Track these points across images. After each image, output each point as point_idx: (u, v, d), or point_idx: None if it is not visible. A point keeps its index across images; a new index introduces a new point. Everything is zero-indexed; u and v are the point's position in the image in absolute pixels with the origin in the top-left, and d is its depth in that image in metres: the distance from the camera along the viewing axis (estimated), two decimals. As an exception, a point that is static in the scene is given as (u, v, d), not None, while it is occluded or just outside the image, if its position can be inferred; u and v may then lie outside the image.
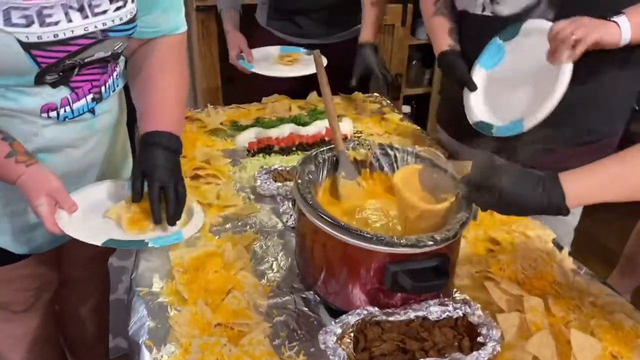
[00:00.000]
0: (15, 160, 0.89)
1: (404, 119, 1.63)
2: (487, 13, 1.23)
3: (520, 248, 0.99)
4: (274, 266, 0.98)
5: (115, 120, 1.13)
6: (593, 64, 1.09)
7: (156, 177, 0.95)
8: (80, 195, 0.98)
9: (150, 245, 0.92)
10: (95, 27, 0.91)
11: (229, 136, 1.48)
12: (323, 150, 1.01)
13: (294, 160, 1.35)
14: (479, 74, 1.26)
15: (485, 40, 1.24)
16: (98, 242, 0.89)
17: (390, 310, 0.79)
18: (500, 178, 0.78)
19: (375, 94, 1.82)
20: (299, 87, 1.76)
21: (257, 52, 1.77)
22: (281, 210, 1.13)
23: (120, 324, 1.61)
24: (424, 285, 0.77)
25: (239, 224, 1.10)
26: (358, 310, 0.78)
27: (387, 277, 0.78)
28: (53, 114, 0.95)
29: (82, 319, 1.51)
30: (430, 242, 0.76)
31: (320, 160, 1.00)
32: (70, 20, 0.87)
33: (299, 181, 0.90)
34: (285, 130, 1.47)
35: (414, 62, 3.06)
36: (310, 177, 0.94)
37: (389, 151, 1.03)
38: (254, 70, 1.68)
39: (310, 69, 1.66)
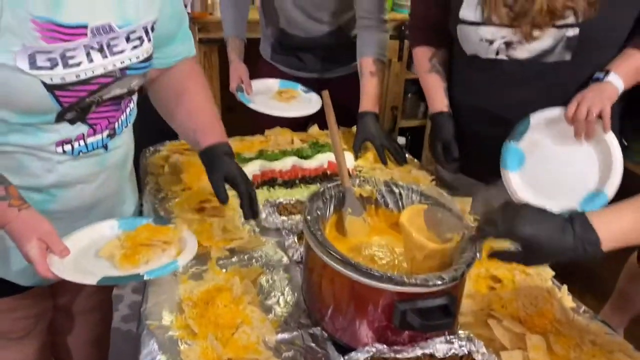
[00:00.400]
0: (9, 204, 0.87)
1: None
2: (501, 57, 1.26)
3: (521, 286, 1.02)
4: (281, 301, 1.00)
5: (125, 155, 1.15)
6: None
7: (239, 181, 1.08)
8: (71, 240, 0.96)
9: (145, 277, 0.90)
10: (114, 65, 0.95)
11: (233, 168, 1.50)
12: (330, 187, 1.04)
13: (297, 193, 1.37)
14: (511, 178, 1.29)
15: (498, 83, 1.29)
16: (93, 282, 0.87)
17: (398, 348, 0.81)
18: (524, 226, 0.76)
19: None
20: (298, 119, 1.80)
21: (257, 83, 1.81)
22: (286, 244, 1.15)
23: (116, 353, 1.62)
24: (432, 324, 0.79)
25: (245, 257, 1.12)
26: (367, 348, 0.80)
27: (396, 315, 0.80)
28: (67, 147, 0.98)
29: (83, 349, 1.50)
30: (439, 282, 0.79)
31: (328, 197, 1.02)
32: (91, 61, 0.91)
33: (308, 217, 0.92)
34: (288, 163, 1.50)
35: (409, 95, 3.13)
36: (319, 213, 0.97)
37: (394, 189, 1.06)
38: (251, 106, 1.71)
39: (308, 110, 1.73)
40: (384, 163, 1.56)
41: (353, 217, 1.03)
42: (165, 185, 1.38)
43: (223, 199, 1.07)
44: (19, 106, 0.89)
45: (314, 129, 1.78)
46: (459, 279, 0.81)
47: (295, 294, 1.02)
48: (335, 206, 1.04)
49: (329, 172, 1.48)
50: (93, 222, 1.04)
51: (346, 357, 0.79)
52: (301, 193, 1.37)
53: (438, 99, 1.40)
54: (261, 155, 1.56)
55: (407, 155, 1.65)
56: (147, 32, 1.01)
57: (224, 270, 1.07)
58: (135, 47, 0.98)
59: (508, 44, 1.24)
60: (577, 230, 0.75)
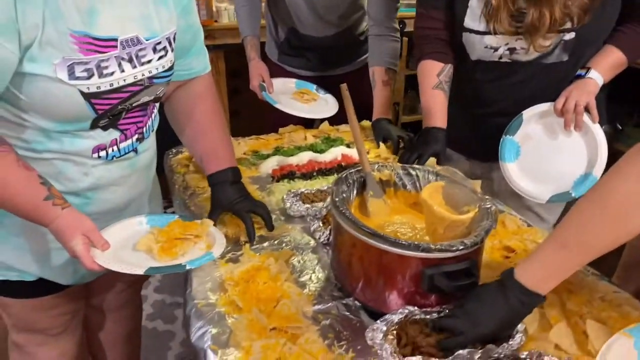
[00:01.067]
0: (53, 203, 0.94)
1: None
2: (505, 60, 1.37)
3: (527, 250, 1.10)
4: (313, 278, 1.09)
5: (151, 157, 1.24)
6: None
7: (241, 214, 1.16)
8: (106, 235, 1.01)
9: (187, 267, 0.98)
10: (143, 75, 1.04)
11: (252, 164, 1.59)
12: (352, 172, 1.13)
13: (316, 184, 1.46)
14: (509, 168, 1.42)
15: (502, 80, 1.39)
16: (140, 271, 0.93)
17: (428, 309, 0.90)
18: (471, 312, 0.84)
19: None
20: (303, 119, 1.89)
21: (274, 82, 1.89)
22: (312, 228, 1.23)
23: (143, 350, 1.69)
24: (458, 285, 0.87)
25: (275, 242, 1.20)
26: (400, 310, 0.89)
27: (424, 280, 0.89)
28: (102, 153, 1.06)
29: (117, 345, 1.58)
30: (461, 247, 0.87)
31: (351, 181, 1.11)
32: (122, 71, 0.99)
33: (336, 199, 1.01)
34: (304, 157, 1.59)
35: (409, 91, 3.22)
36: (344, 195, 1.05)
37: (411, 171, 1.15)
38: (277, 106, 1.79)
39: (328, 111, 1.83)
40: (397, 153, 1.64)
41: (374, 199, 1.12)
42: (192, 182, 1.47)
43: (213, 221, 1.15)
44: (58, 114, 0.96)
45: (325, 125, 1.87)
46: (479, 243, 0.90)
47: (326, 271, 1.10)
48: (357, 190, 1.12)
49: (343, 164, 1.56)
50: None
51: (381, 319, 0.88)
52: (320, 183, 1.46)
53: (438, 117, 1.43)
54: (278, 151, 1.65)
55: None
56: (170, 43, 1.10)
57: (257, 254, 1.15)
58: (161, 57, 1.07)
59: (512, 50, 1.34)
60: (508, 290, 0.84)
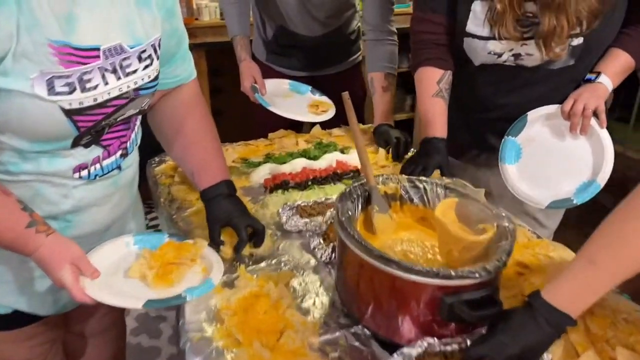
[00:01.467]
0: (36, 230, 0.86)
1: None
2: (509, 64, 1.31)
3: (549, 270, 1.04)
4: (317, 302, 1.00)
5: (135, 172, 1.15)
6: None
7: (238, 227, 1.09)
8: (92, 260, 0.94)
9: (188, 299, 0.91)
10: (128, 86, 0.95)
11: (242, 173, 1.50)
12: (356, 186, 1.05)
13: (313, 194, 1.38)
14: (509, 170, 1.36)
15: (505, 84, 1.33)
16: (138, 305, 0.87)
17: (448, 340, 0.83)
18: (500, 338, 0.78)
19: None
20: (292, 121, 1.80)
21: (267, 83, 1.79)
22: (312, 246, 1.15)
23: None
24: (481, 315, 0.80)
25: (273, 262, 1.12)
26: (419, 342, 0.81)
27: (443, 309, 0.81)
28: (84, 172, 0.97)
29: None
30: (484, 273, 0.80)
31: (355, 196, 1.03)
32: (106, 83, 0.90)
33: (342, 219, 0.93)
34: (297, 165, 1.50)
35: (395, 90, 3.15)
36: (349, 213, 0.97)
37: (418, 184, 1.07)
38: (271, 109, 1.69)
39: (327, 115, 1.72)
40: (395, 158, 1.56)
41: (380, 214, 1.05)
42: (179, 194, 1.37)
43: (215, 246, 1.08)
44: (36, 134, 0.87)
45: (316, 130, 1.79)
46: (502, 268, 0.83)
47: (330, 294, 1.02)
48: (362, 205, 1.05)
49: (339, 172, 1.48)
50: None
51: (397, 354, 0.80)
52: (316, 194, 1.38)
53: (439, 126, 1.35)
54: (269, 158, 1.56)
55: None
56: (155, 50, 1.01)
57: (254, 276, 1.06)
58: (146, 66, 0.98)
59: (516, 56, 1.27)
60: (544, 316, 0.78)
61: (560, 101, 1.30)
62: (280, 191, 1.40)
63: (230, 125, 2.86)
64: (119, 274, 0.98)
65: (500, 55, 1.28)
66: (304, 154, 1.59)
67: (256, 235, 1.12)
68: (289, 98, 1.80)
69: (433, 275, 0.80)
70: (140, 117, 1.10)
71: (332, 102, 1.77)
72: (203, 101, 1.22)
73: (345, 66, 1.94)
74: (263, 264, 1.11)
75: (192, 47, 2.43)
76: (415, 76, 1.43)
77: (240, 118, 2.83)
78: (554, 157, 1.32)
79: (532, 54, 1.25)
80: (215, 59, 2.68)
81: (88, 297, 0.86)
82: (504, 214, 0.93)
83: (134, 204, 1.22)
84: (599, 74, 1.27)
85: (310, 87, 1.85)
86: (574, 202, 1.29)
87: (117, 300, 0.87)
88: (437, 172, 1.31)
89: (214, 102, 2.65)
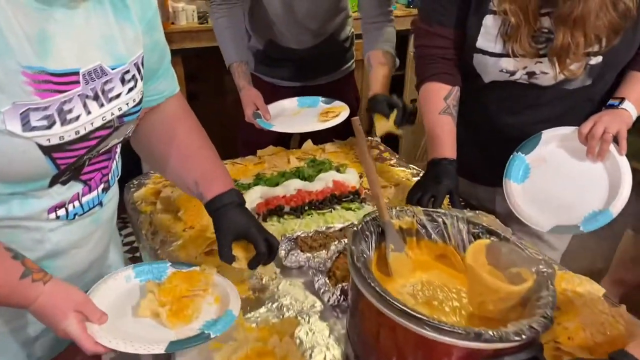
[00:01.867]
0: (32, 279, 0.75)
1: (414, 170, 1.55)
2: (521, 82, 1.21)
3: (583, 312, 0.94)
4: (328, 356, 0.89)
5: (115, 205, 1.02)
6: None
7: (255, 238, 0.95)
8: (95, 302, 0.84)
9: (212, 335, 0.83)
10: (112, 114, 0.82)
11: (231, 197, 1.37)
12: (368, 222, 0.94)
13: (312, 223, 1.26)
14: (514, 188, 1.25)
15: (517, 103, 1.24)
16: (160, 350, 0.79)
17: (489, 412, 0.72)
18: None
19: (370, 137, 1.77)
20: (282, 134, 1.68)
21: (272, 108, 1.64)
22: (316, 286, 1.03)
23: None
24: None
25: (274, 306, 1.00)
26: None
27: (483, 375, 0.71)
28: (61, 212, 0.84)
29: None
30: (530, 334, 0.70)
31: (368, 234, 0.92)
32: (89, 112, 0.78)
33: (358, 264, 0.81)
34: (291, 186, 1.38)
35: (393, 70, 3.04)
36: (365, 257, 0.86)
37: (436, 217, 0.97)
38: (274, 129, 1.54)
39: (341, 117, 1.56)
40: (400, 123, 1.43)
41: (396, 254, 0.93)
42: (162, 226, 1.24)
43: (227, 261, 0.95)
44: (8, 174, 0.74)
45: (308, 145, 1.66)
46: (550, 326, 0.72)
47: (341, 346, 0.91)
48: (375, 242, 0.93)
49: (337, 194, 1.36)
50: (88, 286, 0.90)
51: None
52: (316, 222, 1.26)
53: (448, 146, 1.23)
54: (260, 180, 1.43)
55: (383, 146, 1.66)
56: (139, 70, 0.88)
57: (254, 325, 0.94)
58: (130, 89, 0.86)
59: (530, 74, 1.18)
60: None
61: (575, 123, 1.21)
62: (275, 218, 1.27)
63: (208, 132, 2.72)
64: (127, 313, 0.88)
65: (513, 74, 1.19)
66: (298, 174, 1.46)
67: (271, 251, 0.98)
68: (298, 115, 1.64)
69: (472, 338, 0.69)
70: (121, 144, 0.97)
71: (346, 104, 1.63)
72: (191, 112, 1.10)
73: (338, 75, 1.83)
74: (262, 309, 0.99)
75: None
76: (420, 92, 1.32)
77: (218, 126, 2.68)
78: (565, 181, 1.23)
79: (547, 73, 1.16)
80: (192, 65, 2.53)
81: (100, 346, 0.76)
82: (540, 257, 0.82)
83: (115, 238, 1.09)
84: (622, 99, 1.17)
85: (320, 98, 1.69)
86: (581, 229, 1.18)
87: (135, 347, 0.77)
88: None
89: (191, 109, 2.50)
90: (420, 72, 1.32)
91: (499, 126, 1.31)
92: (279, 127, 1.55)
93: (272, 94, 1.70)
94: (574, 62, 1.12)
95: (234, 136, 1.92)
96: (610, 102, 1.19)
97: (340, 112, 1.58)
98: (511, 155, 1.27)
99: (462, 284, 0.91)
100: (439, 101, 1.26)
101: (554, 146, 1.25)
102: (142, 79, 0.89)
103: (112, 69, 0.81)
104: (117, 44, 0.83)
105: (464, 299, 0.88)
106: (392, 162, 1.60)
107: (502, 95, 1.26)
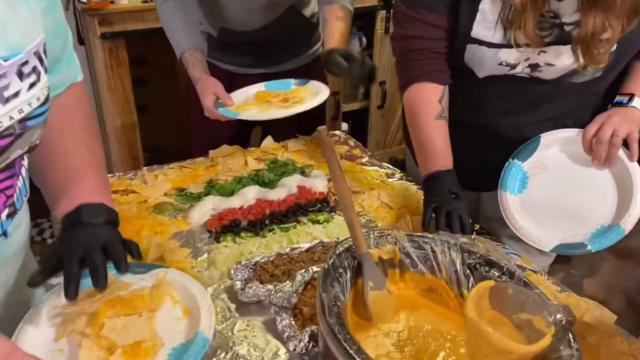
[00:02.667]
0: None
1: (390, 170, 1.37)
2: (522, 75, 1.04)
3: (599, 353, 0.79)
4: None
5: (26, 233, 0.83)
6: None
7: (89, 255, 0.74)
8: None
9: None
10: (11, 118, 0.64)
11: (178, 211, 1.17)
12: (340, 254, 0.76)
13: (273, 242, 1.07)
14: (510, 201, 1.09)
15: (514, 99, 1.08)
16: None
17: None
18: None
19: (337, 132, 1.58)
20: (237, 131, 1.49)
21: (236, 96, 1.40)
22: (279, 327, 0.85)
23: None
24: None
25: (227, 357, 0.81)
26: None
27: None
28: None
29: None
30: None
31: (341, 271, 0.74)
32: None
33: (330, 321, 0.64)
34: (248, 195, 1.19)
35: (351, 27, 2.85)
36: (339, 304, 0.68)
37: (423, 244, 0.79)
38: (241, 117, 1.31)
39: (312, 101, 1.35)
40: (358, 80, 1.33)
41: (376, 292, 0.76)
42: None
43: (71, 297, 0.73)
44: None
45: (268, 142, 1.46)
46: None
47: (313, 410, 0.74)
48: (350, 279, 0.76)
49: (302, 202, 1.18)
50: (10, 325, 0.76)
51: None
52: (277, 242, 1.07)
53: (445, 155, 1.07)
54: (212, 187, 1.24)
55: (353, 141, 1.50)
56: (41, 60, 0.69)
57: (203, 387, 0.76)
58: (32, 84, 0.67)
59: (533, 67, 1.01)
60: None
61: (581, 121, 1.07)
62: (230, 237, 1.08)
63: (157, 125, 2.49)
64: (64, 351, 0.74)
65: (514, 67, 1.01)
66: (256, 179, 1.27)
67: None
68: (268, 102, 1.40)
69: None
70: (25, 156, 0.76)
71: (323, 82, 1.43)
72: (87, 105, 0.91)
73: (306, 59, 1.61)
74: (214, 362, 0.80)
75: (109, 37, 2.05)
76: (407, 95, 1.12)
77: (166, 111, 2.46)
78: (568, 191, 1.07)
79: (553, 64, 1.00)
80: (137, 48, 2.28)
81: None
82: (551, 302, 0.66)
83: (27, 268, 0.89)
84: (632, 96, 1.02)
85: (292, 80, 1.47)
86: (589, 248, 1.03)
87: None
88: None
89: (138, 96, 2.27)
90: (407, 71, 1.12)
91: (493, 127, 1.14)
92: (246, 114, 1.33)
93: (231, 84, 1.46)
94: (602, 52, 0.95)
95: (188, 127, 1.70)
96: (618, 99, 1.04)
97: (320, 91, 1.38)
98: (506, 163, 1.12)
99: (457, 327, 0.75)
100: (434, 105, 1.08)
101: (554, 151, 1.10)
102: (46, 71, 0.69)
103: (5, 61, 0.63)
104: (10, 30, 0.64)
105: (460, 348, 0.72)
106: (363, 160, 1.42)
107: (498, 93, 1.09)
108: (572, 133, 1.07)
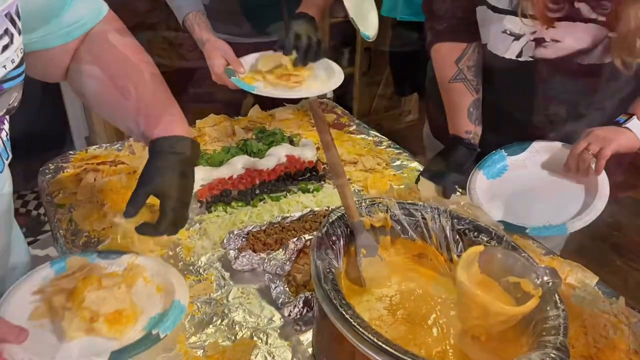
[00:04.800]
0: None
1: (377, 138, 1.38)
2: (524, 58, 1.03)
3: (583, 314, 0.83)
4: (292, 388, 0.74)
5: (9, 199, 0.83)
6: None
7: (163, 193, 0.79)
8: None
9: (162, 335, 0.73)
10: None
11: (168, 182, 1.16)
12: (333, 222, 0.78)
13: (264, 211, 1.08)
14: (481, 180, 1.12)
15: (520, 88, 1.09)
16: None
17: None
18: None
19: (324, 99, 1.58)
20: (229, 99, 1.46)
21: (246, 60, 1.34)
22: (274, 294, 0.87)
23: None
24: None
25: (224, 324, 0.83)
26: None
27: None
28: None
29: None
30: (547, 375, 0.56)
31: (335, 238, 0.76)
32: None
33: (326, 287, 0.65)
34: (237, 165, 1.19)
35: (333, 42, 2.82)
36: (333, 270, 0.70)
37: (414, 212, 0.81)
38: (256, 92, 1.25)
39: (329, 83, 1.29)
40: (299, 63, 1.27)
41: (369, 259, 0.78)
42: (84, 222, 1.03)
43: (127, 213, 0.79)
44: None
45: (255, 111, 1.46)
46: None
47: (308, 372, 0.76)
48: (343, 247, 0.77)
49: (291, 172, 1.19)
50: None
51: None
52: (269, 211, 1.08)
53: (462, 121, 1.09)
54: (201, 158, 1.23)
55: (340, 109, 1.50)
56: (12, 21, 0.66)
57: (201, 352, 0.78)
58: (5, 47, 0.65)
59: (538, 41, 1.00)
60: None
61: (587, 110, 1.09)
62: (221, 207, 1.09)
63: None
64: (47, 332, 0.74)
65: (517, 38, 1.00)
66: (244, 148, 1.27)
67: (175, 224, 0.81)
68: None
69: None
70: (6, 117, 0.76)
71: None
72: (130, 36, 0.89)
73: None
74: (211, 329, 0.82)
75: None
76: (432, 55, 1.15)
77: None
78: (536, 194, 1.10)
79: (559, 41, 0.98)
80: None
81: None
82: (542, 266, 0.68)
83: (14, 234, 0.90)
84: (630, 116, 1.02)
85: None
86: (527, 231, 1.02)
87: None
88: (430, 187, 1.04)
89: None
90: (431, 31, 1.13)
91: (488, 119, 1.15)
92: (263, 90, 1.25)
93: None
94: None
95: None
96: (618, 117, 1.04)
97: (334, 69, 1.33)
98: (495, 151, 1.15)
99: (447, 290, 0.78)
100: (449, 66, 1.10)
101: (540, 158, 1.13)
102: (19, 33, 0.67)
103: None
104: None
105: (450, 310, 0.75)
106: (351, 128, 1.42)
107: (503, 80, 1.10)
108: (557, 145, 1.11)
